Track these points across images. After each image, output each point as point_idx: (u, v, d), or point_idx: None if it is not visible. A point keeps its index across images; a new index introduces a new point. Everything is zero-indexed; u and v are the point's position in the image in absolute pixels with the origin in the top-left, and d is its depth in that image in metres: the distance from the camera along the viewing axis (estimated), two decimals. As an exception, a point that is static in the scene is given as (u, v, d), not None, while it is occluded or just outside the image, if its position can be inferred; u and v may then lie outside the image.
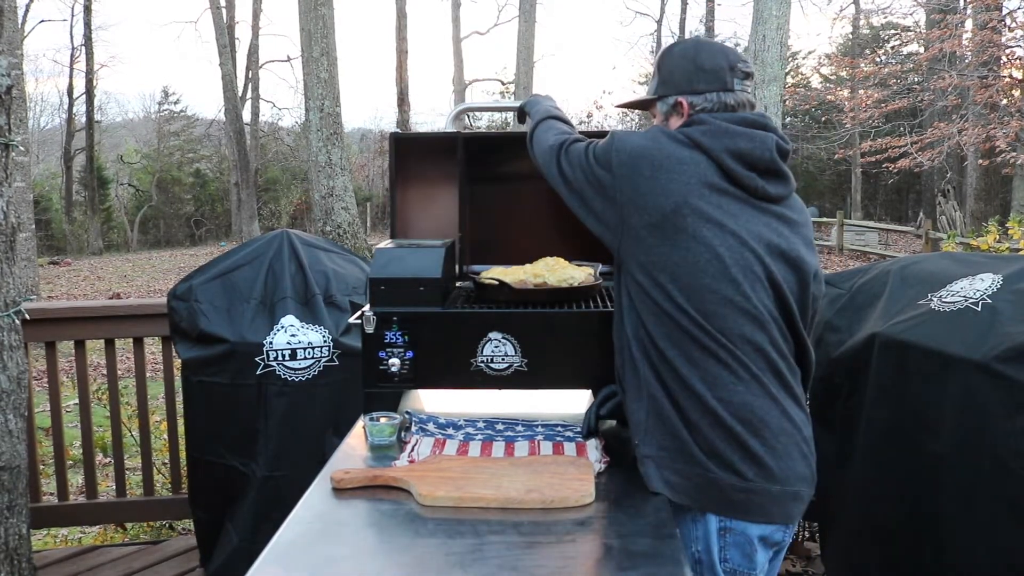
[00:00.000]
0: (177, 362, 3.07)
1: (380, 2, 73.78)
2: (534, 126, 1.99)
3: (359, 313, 1.95)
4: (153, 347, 5.31)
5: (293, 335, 2.78)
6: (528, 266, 2.16)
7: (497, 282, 2.02)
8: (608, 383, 1.86)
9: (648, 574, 1.31)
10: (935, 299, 2.21)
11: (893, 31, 25.68)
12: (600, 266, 2.19)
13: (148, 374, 3.56)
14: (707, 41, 1.80)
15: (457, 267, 2.32)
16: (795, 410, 1.64)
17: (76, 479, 4.30)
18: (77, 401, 3.53)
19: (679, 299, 1.58)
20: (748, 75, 1.75)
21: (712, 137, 1.64)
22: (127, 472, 3.60)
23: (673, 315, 1.59)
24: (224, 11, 27.13)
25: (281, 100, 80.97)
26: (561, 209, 2.43)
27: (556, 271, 2.10)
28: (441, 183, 2.38)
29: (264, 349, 2.76)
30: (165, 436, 3.73)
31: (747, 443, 1.56)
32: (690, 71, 1.74)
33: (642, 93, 1.93)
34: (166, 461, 3.84)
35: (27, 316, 2.84)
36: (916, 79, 17.28)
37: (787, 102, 18.43)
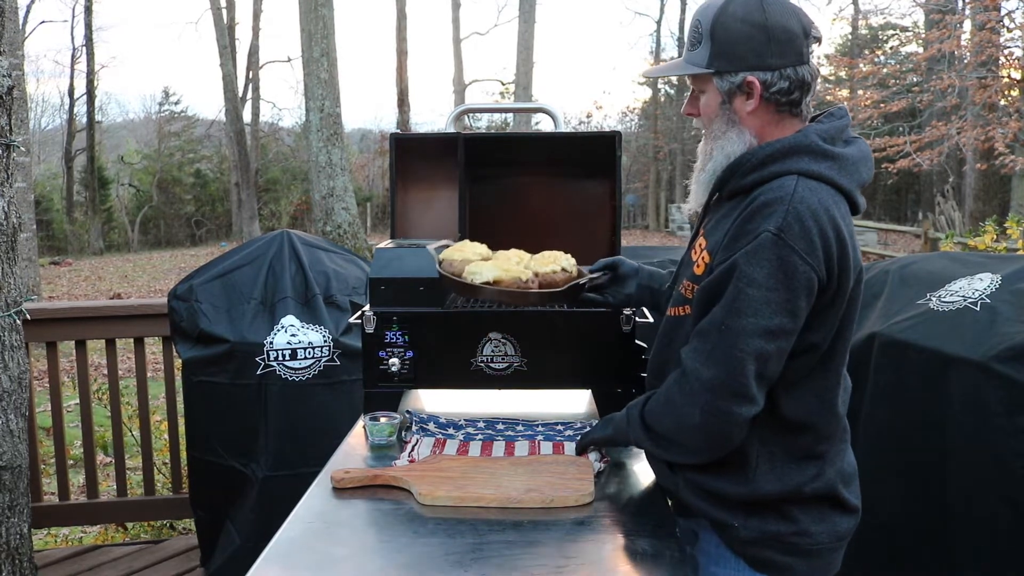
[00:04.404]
0: (178, 362, 3.08)
1: (380, 2, 73.89)
2: (644, 435, 1.52)
3: (359, 313, 1.95)
4: (154, 347, 5.31)
5: (293, 335, 2.78)
6: (512, 255, 1.90)
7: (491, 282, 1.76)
8: (607, 382, 1.86)
9: (648, 573, 1.31)
10: (934, 299, 2.22)
11: (892, 31, 25.69)
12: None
13: (149, 374, 3.57)
14: None
15: (457, 267, 2.33)
16: None
17: (77, 479, 4.30)
18: (78, 401, 3.53)
19: None
20: (819, 40, 1.47)
21: (849, 177, 1.44)
22: (128, 472, 3.60)
23: None
24: (224, 12, 27.12)
25: (281, 100, 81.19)
26: (560, 209, 2.44)
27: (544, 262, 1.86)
28: (441, 183, 2.38)
29: (264, 349, 2.77)
30: (166, 436, 3.73)
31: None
32: (760, 41, 1.42)
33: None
34: (167, 461, 3.85)
35: (28, 316, 2.84)
36: (915, 79, 17.27)
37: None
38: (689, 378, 1.40)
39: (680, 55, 1.60)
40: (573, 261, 1.87)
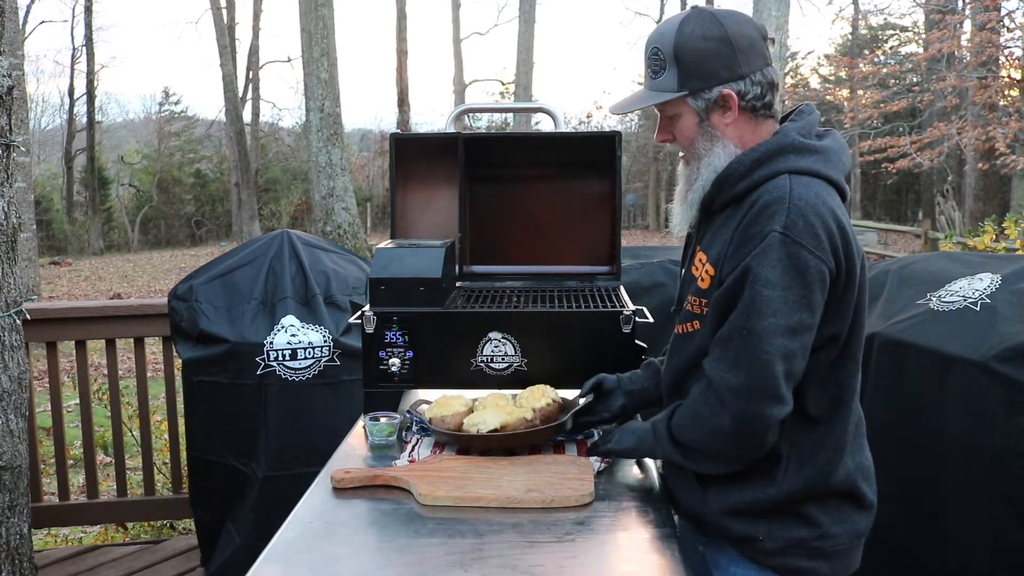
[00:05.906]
0: (178, 362, 3.08)
1: (380, 2, 73.92)
2: (673, 449, 1.51)
3: (359, 313, 1.95)
4: (154, 347, 5.31)
5: (293, 335, 2.78)
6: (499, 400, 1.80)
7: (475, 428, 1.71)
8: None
9: (648, 573, 1.31)
10: (934, 299, 2.22)
11: (892, 31, 25.69)
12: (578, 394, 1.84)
13: (149, 374, 3.57)
14: (720, 12, 1.49)
15: (457, 267, 2.33)
16: None
17: (77, 479, 4.30)
18: (78, 401, 3.53)
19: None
20: (773, 40, 1.51)
21: (835, 167, 1.46)
22: (128, 472, 3.60)
23: None
24: (224, 12, 27.13)
25: (281, 100, 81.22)
26: (560, 209, 2.44)
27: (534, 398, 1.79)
28: (441, 183, 2.38)
29: (264, 349, 2.77)
30: (166, 436, 3.73)
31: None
32: (726, 54, 1.45)
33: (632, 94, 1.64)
34: (167, 461, 3.85)
35: (28, 316, 2.84)
36: (915, 79, 17.29)
37: (786, 103, 18.42)
38: (717, 387, 1.40)
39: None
40: (555, 391, 1.82)
